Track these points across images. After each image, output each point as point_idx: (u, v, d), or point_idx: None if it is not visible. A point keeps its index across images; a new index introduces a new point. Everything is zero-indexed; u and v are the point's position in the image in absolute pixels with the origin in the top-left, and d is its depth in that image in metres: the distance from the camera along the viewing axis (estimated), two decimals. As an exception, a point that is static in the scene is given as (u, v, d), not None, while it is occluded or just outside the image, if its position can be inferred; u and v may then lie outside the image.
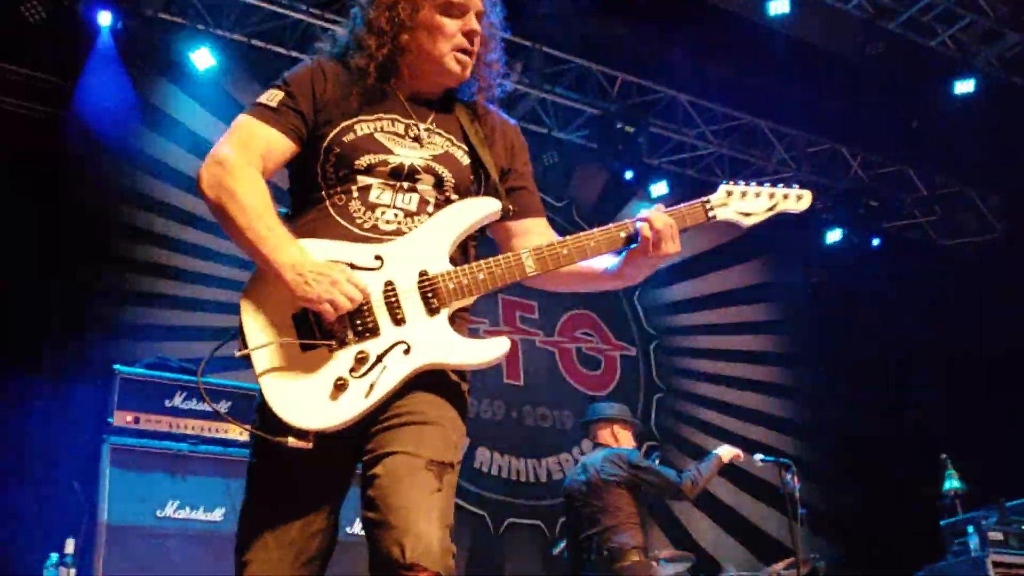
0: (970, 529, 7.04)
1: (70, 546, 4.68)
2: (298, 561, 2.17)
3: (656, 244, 2.33)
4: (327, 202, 2.28)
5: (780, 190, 2.54)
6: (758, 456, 5.56)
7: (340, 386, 2.09)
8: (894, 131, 10.00)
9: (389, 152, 2.30)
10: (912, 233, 11.14)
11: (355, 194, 2.27)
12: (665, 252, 2.35)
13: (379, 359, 2.12)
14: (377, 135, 2.32)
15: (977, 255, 11.30)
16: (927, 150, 10.23)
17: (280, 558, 2.16)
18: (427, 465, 2.05)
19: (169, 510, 4.49)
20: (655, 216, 2.36)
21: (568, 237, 2.34)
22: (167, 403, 4.68)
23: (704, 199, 2.46)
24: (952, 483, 6.20)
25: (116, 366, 4.69)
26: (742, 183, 2.51)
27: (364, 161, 2.28)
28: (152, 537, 4.39)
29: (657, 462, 5.85)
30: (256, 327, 2.14)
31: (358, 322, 2.13)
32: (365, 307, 2.13)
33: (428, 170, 2.31)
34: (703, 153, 10.01)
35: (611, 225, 2.39)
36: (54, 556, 4.67)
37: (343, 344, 2.12)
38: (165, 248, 7.19)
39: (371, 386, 2.09)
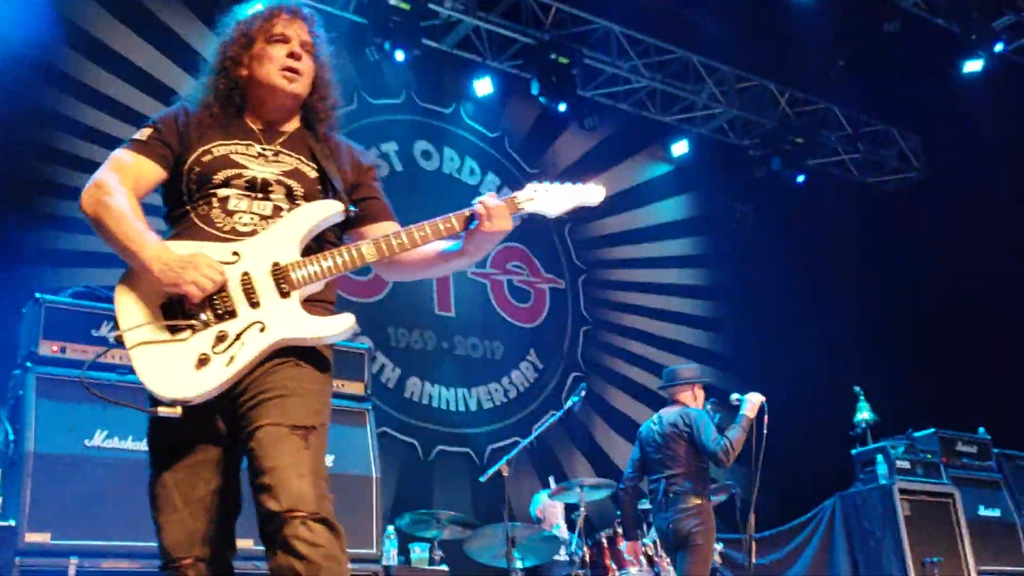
0: (879, 458, 7.40)
1: (-4, 475, 4.64)
2: (208, 516, 2.41)
3: (490, 218, 2.63)
4: (192, 214, 2.56)
5: (578, 187, 2.83)
6: (735, 395, 5.84)
7: (203, 360, 2.33)
8: (822, 70, 10.14)
9: (244, 168, 2.61)
10: (835, 170, 11.39)
11: (215, 204, 2.55)
12: (500, 227, 2.64)
13: (238, 337, 2.38)
14: (232, 155, 2.63)
15: (898, 193, 11.63)
16: (853, 89, 10.40)
17: (191, 514, 2.40)
18: (291, 431, 2.31)
19: (97, 439, 4.46)
20: (488, 199, 2.67)
21: (403, 229, 2.65)
22: (94, 332, 4.61)
23: (512, 195, 2.75)
24: (863, 414, 6.46)
25: (40, 295, 4.59)
26: (546, 182, 2.80)
27: (221, 176, 2.58)
28: (80, 466, 4.36)
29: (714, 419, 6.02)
30: (128, 313, 2.40)
31: (218, 304, 2.39)
32: (224, 293, 2.40)
33: (279, 183, 2.61)
34: (636, 87, 10.04)
35: (448, 215, 2.68)
36: (-21, 485, 4.62)
37: (205, 325, 2.38)
38: (85, 171, 6.97)
39: (231, 359, 2.34)
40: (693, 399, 6.07)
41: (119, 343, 2.36)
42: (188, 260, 2.37)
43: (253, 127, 2.73)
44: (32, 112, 6.92)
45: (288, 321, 2.42)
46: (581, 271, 9.77)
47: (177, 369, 2.32)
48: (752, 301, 10.49)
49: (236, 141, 2.67)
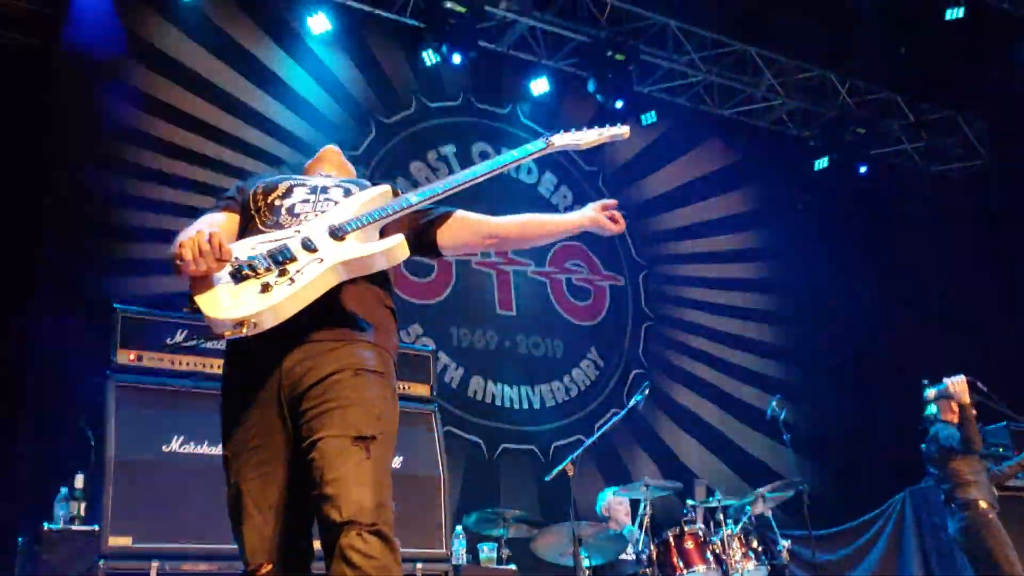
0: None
1: (79, 481, 4.81)
2: (281, 522, 2.48)
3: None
4: (256, 220, 2.71)
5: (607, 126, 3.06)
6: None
7: (266, 287, 2.41)
8: (882, 58, 9.97)
9: (304, 182, 2.84)
10: (898, 159, 11.20)
11: (283, 212, 2.71)
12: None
13: (299, 271, 2.47)
14: (292, 179, 2.87)
15: (964, 180, 11.39)
16: (915, 77, 10.22)
17: (264, 521, 2.46)
18: (353, 441, 2.36)
19: (174, 445, 4.59)
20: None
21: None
22: (169, 341, 4.75)
23: (545, 136, 2.95)
24: (932, 409, 6.36)
25: (116, 305, 4.74)
26: (573, 130, 3.01)
27: (284, 186, 2.79)
28: (159, 471, 4.49)
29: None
30: (199, 285, 2.48)
31: (280, 257, 2.47)
32: (284, 248, 2.51)
33: (338, 187, 2.82)
34: (693, 81, 9.98)
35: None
36: (64, 490, 4.79)
37: (267, 271, 2.46)
38: (154, 182, 7.18)
39: (292, 281, 2.42)
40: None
41: (190, 302, 2.42)
42: (195, 233, 2.48)
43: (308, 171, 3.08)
44: (103, 122, 7.13)
45: (344, 250, 2.54)
46: (641, 268, 9.74)
47: (241, 297, 2.39)
48: (815, 294, 10.36)
49: (294, 175, 2.95)
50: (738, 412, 9.44)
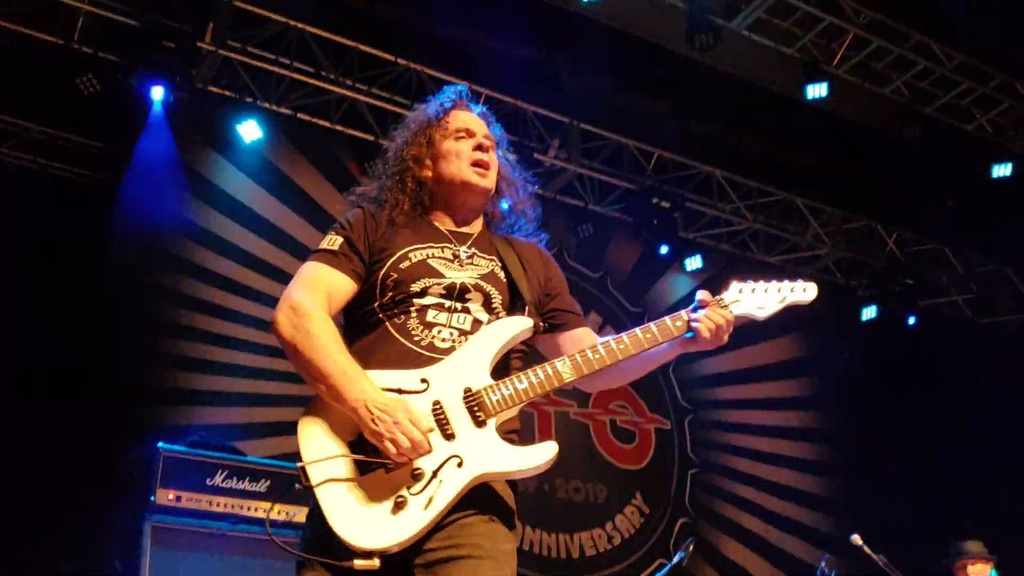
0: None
1: (110, 621, 4.73)
2: None
3: (714, 335, 2.51)
4: (387, 323, 2.44)
5: (787, 284, 2.73)
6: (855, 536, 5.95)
7: (400, 503, 2.16)
8: (930, 210, 10.00)
9: (441, 276, 2.49)
10: (948, 310, 11.07)
11: (413, 314, 2.43)
12: (719, 342, 2.53)
13: (434, 474, 2.21)
14: (429, 260, 2.51)
15: (1017, 332, 11.20)
16: (963, 229, 10.21)
17: None
18: None
19: (206, 589, 4.53)
20: (712, 314, 2.52)
21: (601, 343, 2.49)
22: (208, 481, 4.74)
23: (719, 297, 2.61)
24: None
25: (160, 444, 4.76)
26: (750, 281, 2.69)
27: (419, 284, 2.46)
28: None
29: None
30: (313, 445, 2.25)
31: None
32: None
33: (477, 288, 2.50)
34: (738, 228, 10.06)
35: (648, 325, 2.53)
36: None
37: (397, 466, 2.21)
38: (208, 314, 7.31)
39: (429, 500, 2.17)
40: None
41: (303, 478, 2.19)
42: (390, 412, 2.19)
43: (442, 229, 2.63)
44: (160, 256, 7.33)
45: (487, 453, 2.27)
46: (688, 411, 9.61)
47: (372, 514, 2.15)
48: (864, 445, 10.11)
49: (430, 244, 2.56)
50: (788, 567, 9.10)
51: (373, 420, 2.18)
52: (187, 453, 4.80)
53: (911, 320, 10.42)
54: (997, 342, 11.08)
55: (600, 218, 9.59)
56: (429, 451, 2.22)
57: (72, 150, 7.78)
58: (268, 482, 4.76)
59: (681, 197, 9.35)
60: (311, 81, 7.93)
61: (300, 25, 7.78)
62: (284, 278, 7.58)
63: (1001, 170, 8.84)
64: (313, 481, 2.18)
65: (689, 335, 2.51)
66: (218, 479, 4.72)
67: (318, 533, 2.20)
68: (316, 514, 2.21)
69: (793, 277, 2.76)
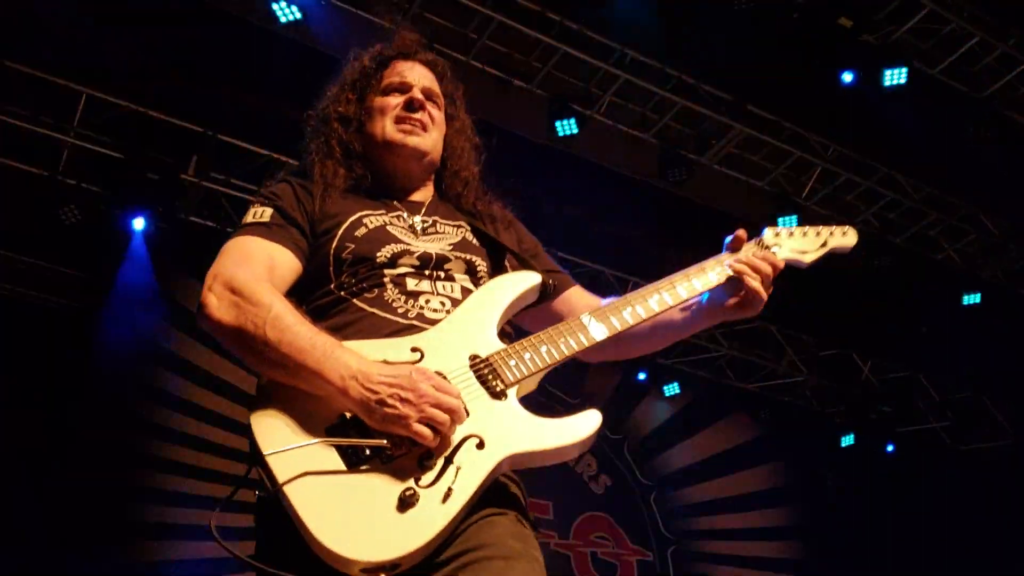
0: None
1: None
2: None
3: (755, 298, 2.13)
4: (353, 301, 1.98)
5: (825, 228, 2.34)
6: None
7: (408, 499, 1.65)
8: (903, 338, 10.12)
9: (407, 244, 2.07)
10: (926, 437, 11.08)
11: (388, 286, 1.99)
12: (763, 294, 2.14)
13: (448, 460, 1.73)
14: (389, 228, 2.10)
15: (993, 460, 11.20)
16: (937, 357, 10.31)
17: None
18: None
19: None
20: (754, 261, 2.15)
21: (633, 296, 2.13)
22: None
23: (756, 239, 2.26)
24: None
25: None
26: (785, 227, 2.33)
27: (386, 252, 2.04)
28: None
29: None
30: (276, 438, 1.71)
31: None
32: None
33: (457, 259, 2.10)
34: (715, 355, 10.11)
35: (682, 273, 2.20)
36: None
37: (398, 448, 1.71)
38: (189, 447, 7.18)
39: (447, 492, 1.69)
40: None
41: (263, 476, 1.67)
42: (404, 385, 1.70)
43: (388, 199, 2.19)
44: (139, 385, 7.25)
45: (513, 429, 1.80)
46: (670, 542, 9.44)
47: (372, 516, 1.64)
48: (847, 573, 9.94)
49: (383, 211, 2.13)
50: None
51: (381, 401, 1.68)
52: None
53: (889, 448, 10.42)
54: (976, 468, 11.07)
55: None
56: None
57: (52, 278, 7.77)
58: None
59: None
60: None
61: (283, 158, 7.91)
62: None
63: (971, 299, 9.01)
64: (280, 477, 1.64)
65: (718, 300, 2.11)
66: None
67: (282, 550, 1.67)
68: (280, 524, 1.65)
69: (827, 223, 2.36)
